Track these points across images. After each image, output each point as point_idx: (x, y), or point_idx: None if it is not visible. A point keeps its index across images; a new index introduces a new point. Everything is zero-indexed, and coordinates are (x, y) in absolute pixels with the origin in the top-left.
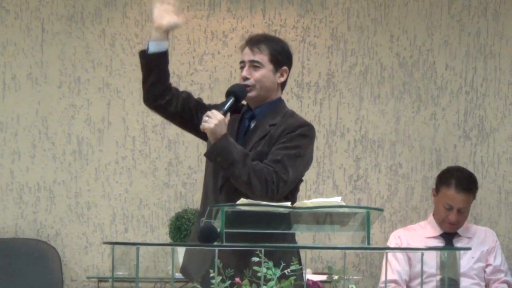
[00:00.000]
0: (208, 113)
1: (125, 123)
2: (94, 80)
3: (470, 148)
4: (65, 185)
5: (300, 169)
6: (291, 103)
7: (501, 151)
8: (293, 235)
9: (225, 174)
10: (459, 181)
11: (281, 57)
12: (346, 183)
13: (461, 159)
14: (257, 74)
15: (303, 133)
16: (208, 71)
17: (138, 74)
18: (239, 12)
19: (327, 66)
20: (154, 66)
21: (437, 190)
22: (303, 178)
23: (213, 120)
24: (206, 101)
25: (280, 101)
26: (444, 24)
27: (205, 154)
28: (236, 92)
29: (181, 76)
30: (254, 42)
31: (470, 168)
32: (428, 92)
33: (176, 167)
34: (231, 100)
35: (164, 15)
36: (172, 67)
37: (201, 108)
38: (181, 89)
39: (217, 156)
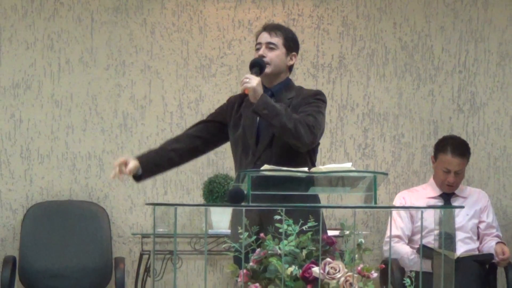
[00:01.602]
0: (247, 75)
1: (164, 100)
2: (137, 63)
3: (463, 120)
4: (113, 154)
5: (323, 124)
6: (308, 82)
7: (490, 122)
8: (315, 196)
9: (271, 125)
10: (454, 147)
11: (292, 43)
12: (356, 151)
13: (455, 130)
14: (272, 54)
15: (320, 98)
16: (235, 55)
17: (175, 58)
18: (262, 3)
19: (338, 50)
20: (159, 168)
21: (435, 157)
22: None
23: (253, 80)
24: (234, 82)
25: (290, 80)
26: (440, 12)
27: (253, 109)
28: (260, 63)
29: (212, 59)
30: (271, 28)
31: (463, 137)
32: (427, 71)
33: None
34: (257, 69)
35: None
36: (205, 51)
37: (214, 124)
38: (212, 70)
39: (263, 109)
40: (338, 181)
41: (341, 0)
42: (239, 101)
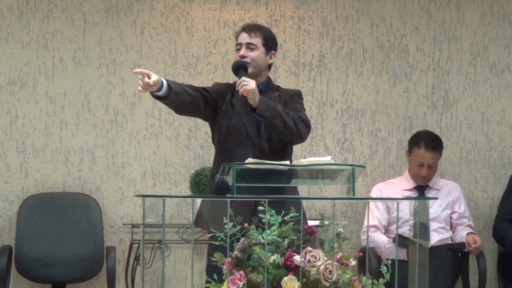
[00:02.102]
0: (243, 78)
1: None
2: (127, 62)
3: (437, 115)
4: (104, 148)
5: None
6: (289, 80)
7: (462, 118)
8: (295, 188)
9: (272, 125)
10: (427, 142)
11: (271, 42)
12: (335, 145)
13: (430, 125)
14: (253, 54)
15: (301, 97)
16: (221, 54)
17: (163, 57)
18: (246, 4)
19: (319, 49)
20: (176, 98)
21: (409, 151)
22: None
23: (251, 83)
24: (219, 79)
25: (270, 78)
26: (415, 13)
27: (258, 113)
28: (243, 65)
29: (199, 58)
30: (250, 28)
31: (436, 132)
32: (402, 69)
33: (195, 133)
34: (243, 71)
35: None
36: (191, 50)
37: (211, 98)
38: (198, 69)
39: (266, 111)
40: (318, 173)
41: (321, 1)
42: (231, 91)
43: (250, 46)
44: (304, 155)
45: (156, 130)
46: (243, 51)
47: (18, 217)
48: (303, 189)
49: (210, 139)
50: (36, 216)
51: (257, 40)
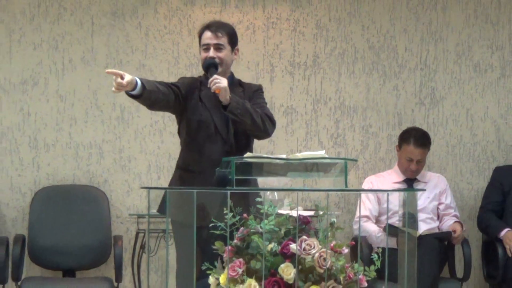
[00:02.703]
0: (215, 76)
1: None
2: (133, 62)
3: (424, 112)
4: (111, 143)
5: None
6: (286, 79)
7: (448, 114)
8: (255, 180)
9: (242, 121)
10: (416, 139)
11: (234, 38)
12: (329, 140)
13: (417, 121)
14: (222, 54)
15: (262, 91)
16: None
17: (167, 57)
18: (245, 8)
19: (313, 50)
20: (150, 96)
21: (399, 146)
22: (296, 137)
23: (223, 81)
24: None
25: (233, 74)
26: (404, 15)
27: (229, 110)
28: (214, 64)
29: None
30: (216, 27)
31: (424, 127)
32: (391, 69)
33: None
34: (213, 70)
35: (123, 81)
36: (193, 51)
37: (181, 93)
38: (200, 68)
39: (237, 109)
40: (313, 167)
41: (315, 5)
42: (198, 86)
43: (218, 47)
44: (299, 150)
45: (160, 126)
46: (212, 53)
47: (30, 208)
48: (299, 181)
49: None
50: (48, 207)
51: (224, 40)
